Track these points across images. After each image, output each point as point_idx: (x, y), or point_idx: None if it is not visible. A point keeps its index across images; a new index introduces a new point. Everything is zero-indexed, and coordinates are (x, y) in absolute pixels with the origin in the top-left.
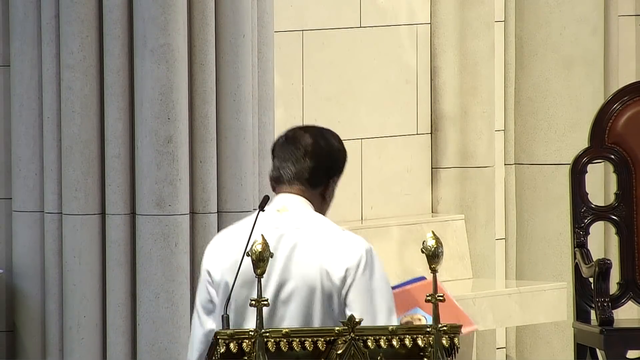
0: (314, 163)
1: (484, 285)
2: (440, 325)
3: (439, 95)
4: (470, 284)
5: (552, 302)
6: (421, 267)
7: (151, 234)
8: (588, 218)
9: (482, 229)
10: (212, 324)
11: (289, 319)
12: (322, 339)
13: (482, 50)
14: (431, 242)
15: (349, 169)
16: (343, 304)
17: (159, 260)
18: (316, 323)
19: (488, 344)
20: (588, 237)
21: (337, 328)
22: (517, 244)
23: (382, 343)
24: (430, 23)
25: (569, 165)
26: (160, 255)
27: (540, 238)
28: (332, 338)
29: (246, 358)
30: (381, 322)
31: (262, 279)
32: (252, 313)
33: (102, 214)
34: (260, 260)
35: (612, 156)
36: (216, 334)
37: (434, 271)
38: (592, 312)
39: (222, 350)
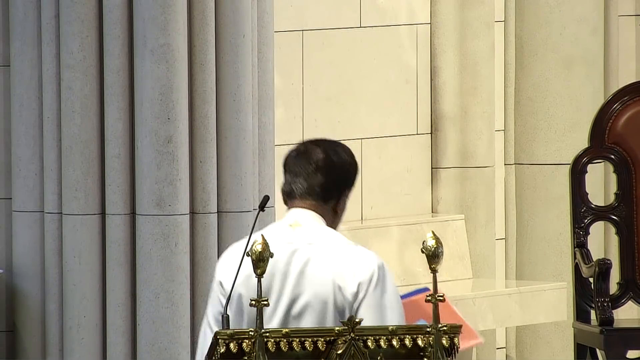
0: (325, 178)
1: (484, 285)
2: (440, 325)
3: (439, 95)
4: (470, 284)
5: (552, 302)
6: (421, 267)
7: (151, 234)
8: (588, 218)
9: (482, 229)
10: None
11: None
12: (322, 339)
13: (482, 50)
14: (431, 242)
15: None
16: None
17: (159, 260)
18: None
19: (488, 344)
20: (588, 237)
21: (337, 328)
22: (517, 244)
23: (382, 343)
24: (430, 23)
25: (569, 165)
26: (160, 255)
27: (540, 238)
28: (332, 338)
29: (246, 358)
30: None
31: (273, 294)
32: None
33: (102, 214)
34: (260, 260)
35: (612, 156)
36: (216, 333)
37: (434, 271)
38: (592, 312)
39: (222, 350)
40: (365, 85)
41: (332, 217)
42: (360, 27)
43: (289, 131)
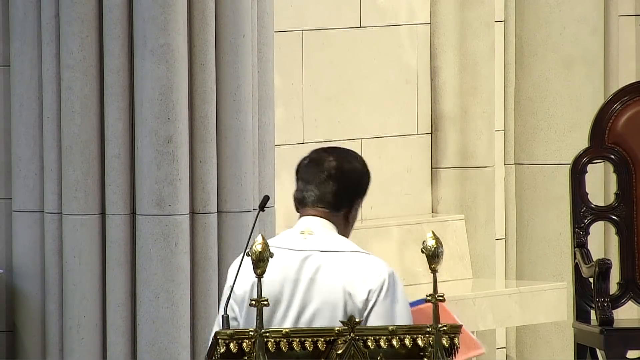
0: (337, 186)
1: (484, 285)
2: (440, 325)
3: (439, 95)
4: (470, 284)
5: (552, 302)
6: (421, 267)
7: (151, 234)
8: (588, 218)
9: (482, 229)
10: None
11: None
12: (322, 339)
13: (482, 50)
14: (431, 242)
15: None
16: None
17: (159, 260)
18: None
19: (488, 344)
20: (588, 237)
21: (337, 328)
22: (517, 244)
23: (382, 343)
24: (430, 23)
25: (569, 165)
26: (160, 255)
27: (540, 238)
28: (332, 338)
29: (246, 358)
30: None
31: (283, 300)
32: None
33: (102, 214)
34: (260, 260)
35: (612, 156)
36: (216, 333)
37: (434, 271)
38: (592, 312)
39: (222, 350)
40: (365, 85)
41: (344, 225)
42: (360, 27)
43: (289, 131)
